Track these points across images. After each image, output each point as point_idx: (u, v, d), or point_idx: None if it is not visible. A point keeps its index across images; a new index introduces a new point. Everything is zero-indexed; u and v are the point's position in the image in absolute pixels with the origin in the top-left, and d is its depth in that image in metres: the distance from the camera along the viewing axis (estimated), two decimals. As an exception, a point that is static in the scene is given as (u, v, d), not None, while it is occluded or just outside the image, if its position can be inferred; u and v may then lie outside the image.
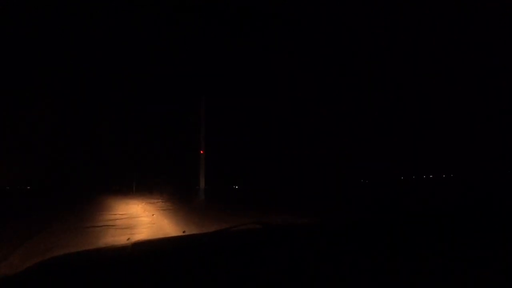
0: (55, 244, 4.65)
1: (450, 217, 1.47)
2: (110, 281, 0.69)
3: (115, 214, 8.87)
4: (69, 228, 6.33)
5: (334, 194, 15.75)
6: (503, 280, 0.63)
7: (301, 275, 0.68)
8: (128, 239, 4.48)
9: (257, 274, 0.69)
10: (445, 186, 19.93)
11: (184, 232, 5.31)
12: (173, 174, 35.24)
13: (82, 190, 32.36)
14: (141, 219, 7.84)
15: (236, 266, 0.76)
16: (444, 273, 0.67)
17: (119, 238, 5.05)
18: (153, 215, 8.58)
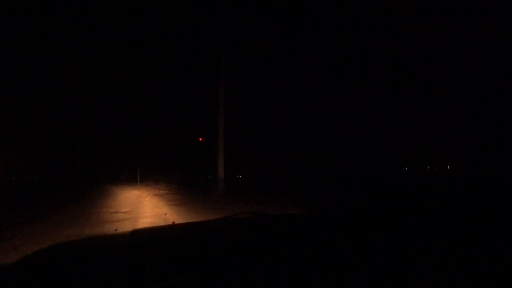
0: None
1: (447, 211, 1.37)
2: (110, 268, 0.65)
3: (117, 213, 6.51)
4: (42, 240, 3.98)
5: (335, 184, 15.08)
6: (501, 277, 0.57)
7: (291, 265, 0.64)
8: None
9: (253, 264, 0.65)
10: (448, 178, 19.39)
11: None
12: (177, 163, 33.06)
13: (83, 180, 30.01)
14: (151, 221, 5.48)
15: (235, 255, 0.72)
16: (440, 267, 0.61)
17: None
18: (166, 214, 6.22)
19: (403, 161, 44.43)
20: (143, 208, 7.38)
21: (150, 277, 0.59)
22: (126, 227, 4.86)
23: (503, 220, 1.05)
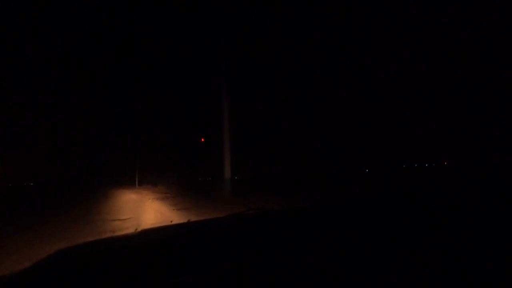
0: None
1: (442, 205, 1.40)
2: (120, 268, 0.64)
3: (115, 221, 5.69)
4: (19, 258, 3.16)
5: (339, 183, 14.85)
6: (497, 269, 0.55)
7: (290, 254, 0.64)
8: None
9: (255, 257, 0.65)
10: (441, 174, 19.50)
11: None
12: (175, 165, 32.10)
13: (81, 184, 28.93)
14: (155, 230, 4.67)
15: (239, 249, 0.71)
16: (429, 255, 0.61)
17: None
18: (171, 221, 5.41)
19: (402, 158, 44.25)
20: (145, 214, 6.56)
21: (160, 275, 0.56)
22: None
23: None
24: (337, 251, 0.61)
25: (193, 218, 5.72)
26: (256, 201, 8.15)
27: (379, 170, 37.42)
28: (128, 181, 31.72)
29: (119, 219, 5.81)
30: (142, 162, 29.28)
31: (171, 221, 5.38)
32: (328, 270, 0.54)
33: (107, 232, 4.60)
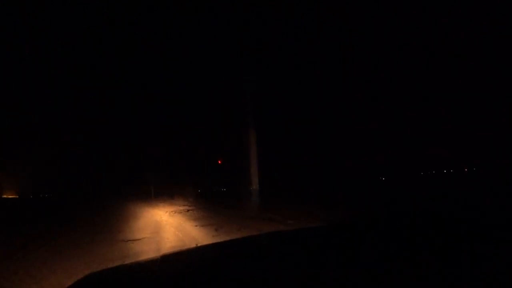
0: None
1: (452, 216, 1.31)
2: None
3: (127, 242, 4.60)
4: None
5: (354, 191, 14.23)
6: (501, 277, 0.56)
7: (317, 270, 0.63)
8: None
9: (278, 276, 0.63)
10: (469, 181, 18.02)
11: None
12: (190, 176, 31.27)
13: (96, 196, 28.34)
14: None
15: (258, 274, 0.67)
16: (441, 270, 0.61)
17: None
18: (196, 244, 4.26)
19: (420, 165, 42.16)
20: (164, 232, 5.46)
21: None
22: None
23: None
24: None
25: (220, 238, 4.58)
26: (288, 215, 6.96)
27: (397, 178, 35.55)
28: (143, 193, 30.99)
29: (134, 239, 4.73)
30: (157, 174, 28.56)
31: (196, 244, 4.25)
32: None
33: (116, 258, 3.52)
